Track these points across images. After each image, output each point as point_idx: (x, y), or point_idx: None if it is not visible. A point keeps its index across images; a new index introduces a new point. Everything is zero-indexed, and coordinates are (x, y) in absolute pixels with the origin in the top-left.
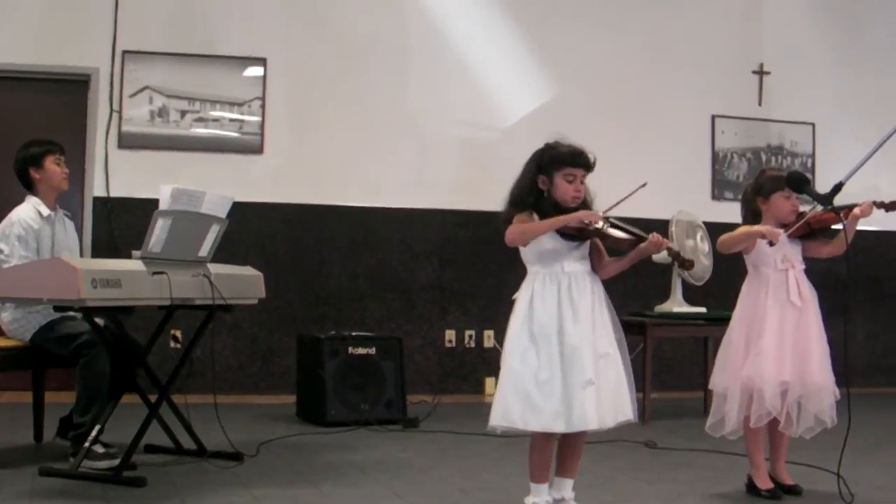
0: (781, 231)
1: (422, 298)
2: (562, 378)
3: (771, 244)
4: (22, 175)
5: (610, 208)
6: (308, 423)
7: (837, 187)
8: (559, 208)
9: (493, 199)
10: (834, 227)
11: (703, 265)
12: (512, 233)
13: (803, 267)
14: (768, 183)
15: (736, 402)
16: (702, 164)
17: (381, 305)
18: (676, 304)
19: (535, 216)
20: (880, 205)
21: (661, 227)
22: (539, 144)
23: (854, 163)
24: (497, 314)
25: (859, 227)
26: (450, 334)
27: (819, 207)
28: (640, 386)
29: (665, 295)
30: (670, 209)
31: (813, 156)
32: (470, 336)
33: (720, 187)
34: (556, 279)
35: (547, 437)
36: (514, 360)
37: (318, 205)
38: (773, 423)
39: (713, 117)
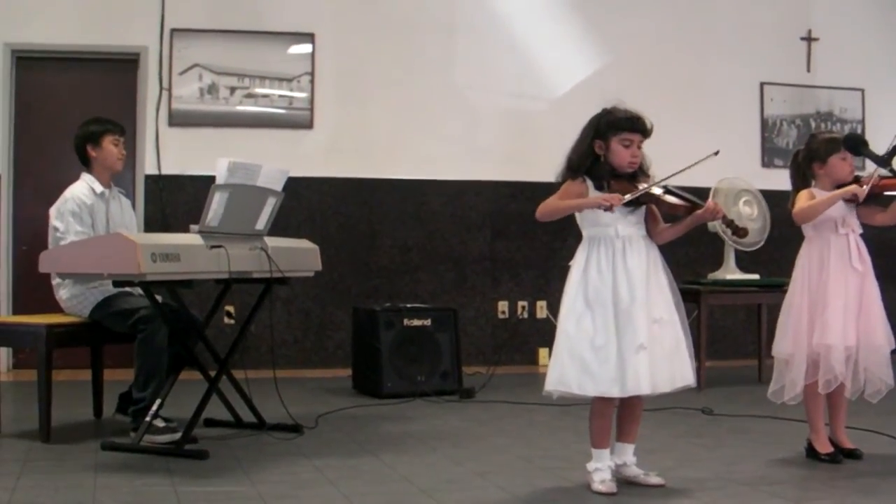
0: (864, 188)
1: (474, 270)
2: (616, 343)
3: (857, 202)
4: (80, 151)
5: (673, 174)
6: (364, 395)
7: (895, 149)
8: (615, 173)
9: (543, 169)
10: (888, 193)
11: (752, 230)
12: (540, 209)
13: (861, 231)
14: (824, 146)
15: (802, 368)
16: (751, 131)
17: (433, 278)
18: (730, 272)
19: (588, 182)
20: None
21: (705, 196)
22: (587, 115)
23: None
24: (549, 284)
25: None
26: (503, 305)
27: (879, 171)
28: (695, 354)
29: (718, 262)
30: (721, 178)
31: (863, 122)
32: (523, 307)
33: (770, 154)
34: (611, 243)
35: (607, 402)
36: (569, 325)
37: (369, 178)
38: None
39: (762, 85)
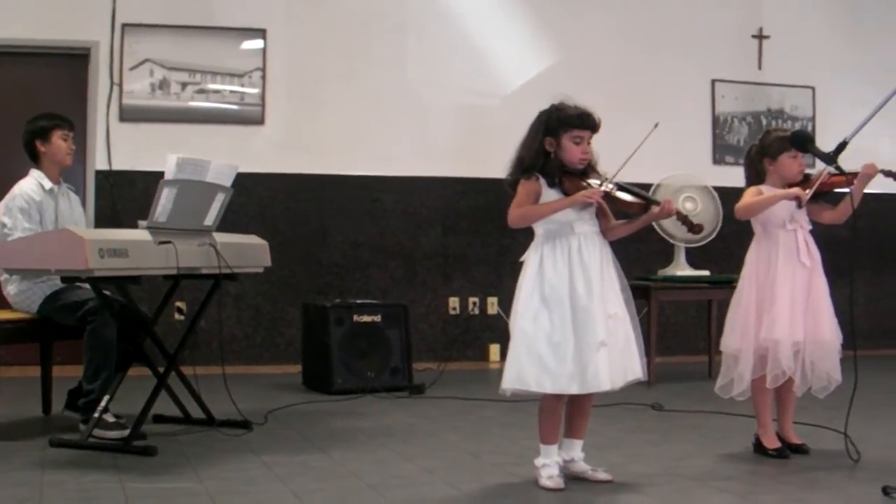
0: (807, 192)
1: (425, 266)
2: (574, 340)
3: (799, 205)
4: (29, 147)
5: (625, 163)
6: (314, 392)
7: (842, 146)
8: (566, 170)
9: (494, 166)
10: (838, 190)
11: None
12: (515, 217)
13: (810, 227)
14: (775, 143)
15: (749, 363)
16: (703, 128)
17: (384, 274)
18: (680, 268)
19: (542, 180)
20: (888, 173)
21: (647, 191)
22: (538, 112)
23: (855, 125)
24: (500, 281)
25: (866, 191)
26: (453, 302)
27: (827, 169)
28: (645, 350)
29: (669, 259)
30: (672, 174)
31: (813, 119)
32: (474, 303)
33: (721, 151)
34: (567, 240)
35: (557, 398)
36: (526, 323)
37: (320, 174)
38: (782, 383)
39: (713, 82)
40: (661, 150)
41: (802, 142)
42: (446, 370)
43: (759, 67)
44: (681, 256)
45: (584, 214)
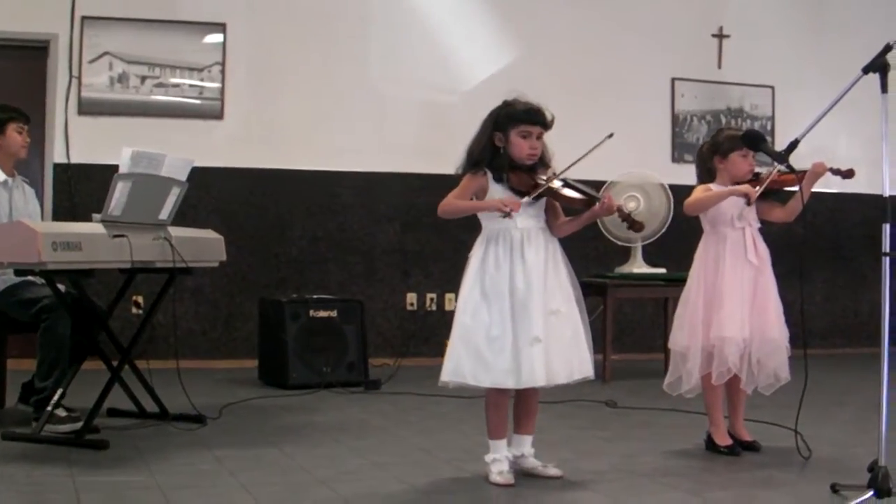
0: (757, 189)
1: (383, 262)
2: (512, 335)
3: (748, 203)
4: None
5: (573, 163)
6: (270, 387)
7: (793, 145)
8: (514, 165)
9: (454, 162)
10: (788, 188)
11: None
12: (441, 207)
13: (759, 225)
14: (726, 142)
15: (697, 360)
16: (662, 126)
17: (342, 269)
18: (636, 266)
19: (488, 174)
20: (836, 171)
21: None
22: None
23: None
24: (458, 277)
25: (819, 189)
26: (411, 297)
27: (777, 168)
28: (600, 347)
29: (625, 257)
30: (628, 172)
31: (773, 119)
32: (431, 299)
33: (680, 150)
34: (509, 235)
35: (501, 393)
36: (465, 316)
37: (279, 169)
38: (732, 380)
39: (673, 80)
40: (619, 148)
41: (754, 141)
42: (402, 366)
43: (719, 66)
44: (637, 254)
45: (528, 209)
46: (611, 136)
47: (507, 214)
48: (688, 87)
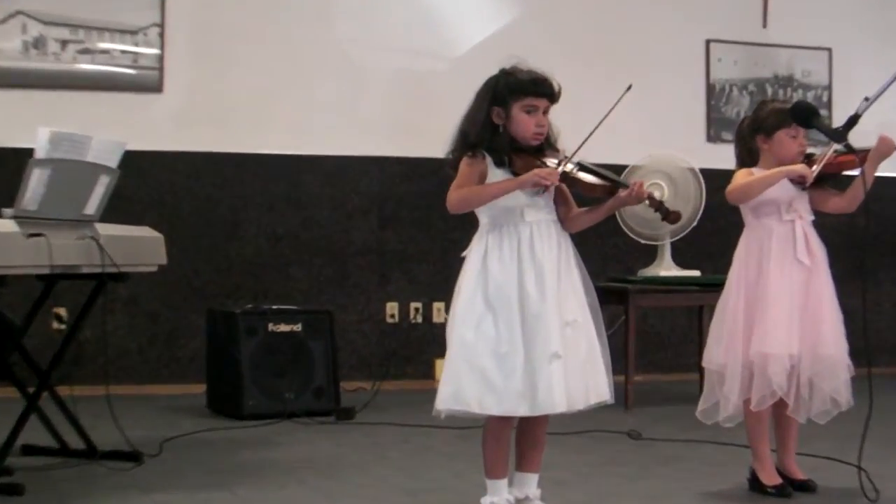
0: (813, 169)
1: (357, 265)
2: (524, 351)
3: (804, 187)
4: None
5: (590, 133)
6: (221, 417)
7: (852, 120)
8: (517, 147)
9: (442, 143)
10: (847, 172)
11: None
12: (454, 200)
13: (812, 218)
14: (771, 117)
15: (736, 381)
16: (694, 99)
17: (308, 274)
18: (664, 267)
19: (488, 158)
20: None
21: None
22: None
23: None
24: (448, 282)
25: (884, 174)
26: (392, 307)
27: (834, 149)
28: (621, 366)
29: (651, 256)
30: (653, 154)
31: (829, 88)
32: (416, 309)
33: (717, 127)
34: (516, 231)
35: (504, 422)
36: (466, 330)
37: (231, 153)
38: (780, 406)
39: (707, 42)
40: (643, 125)
41: (805, 115)
42: (382, 390)
43: (764, 25)
44: (666, 253)
45: (537, 200)
46: (629, 88)
47: (545, 189)
48: (726, 51)
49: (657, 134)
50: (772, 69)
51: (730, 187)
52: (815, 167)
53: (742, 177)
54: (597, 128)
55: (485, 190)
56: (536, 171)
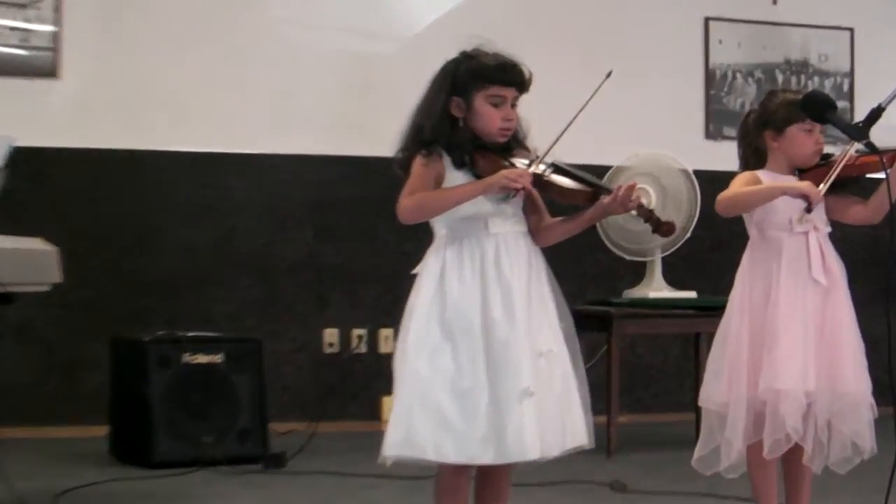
0: (821, 187)
1: (290, 284)
2: (489, 388)
3: (809, 209)
4: None
5: (561, 134)
6: (127, 465)
7: (875, 114)
8: (480, 144)
9: (391, 139)
10: (870, 175)
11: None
12: (406, 208)
13: (828, 229)
14: (781, 110)
15: (740, 424)
16: (690, 88)
17: (231, 295)
18: (654, 288)
19: (445, 158)
20: None
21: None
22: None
23: None
24: (398, 305)
25: None
26: (331, 335)
27: (854, 148)
28: (602, 405)
29: (638, 275)
30: (639, 153)
31: (851, 75)
32: (360, 337)
33: (718, 120)
34: (479, 245)
35: (460, 470)
36: (419, 362)
37: (140, 150)
38: (791, 453)
39: (706, 21)
40: (628, 119)
41: (819, 108)
42: (319, 433)
43: (775, 2)
44: (656, 271)
45: (504, 208)
46: (609, 74)
47: (515, 193)
48: (729, 31)
49: (646, 129)
50: (783, 52)
51: (720, 195)
52: (823, 183)
53: (741, 182)
54: (573, 122)
55: (444, 195)
56: (504, 172)
